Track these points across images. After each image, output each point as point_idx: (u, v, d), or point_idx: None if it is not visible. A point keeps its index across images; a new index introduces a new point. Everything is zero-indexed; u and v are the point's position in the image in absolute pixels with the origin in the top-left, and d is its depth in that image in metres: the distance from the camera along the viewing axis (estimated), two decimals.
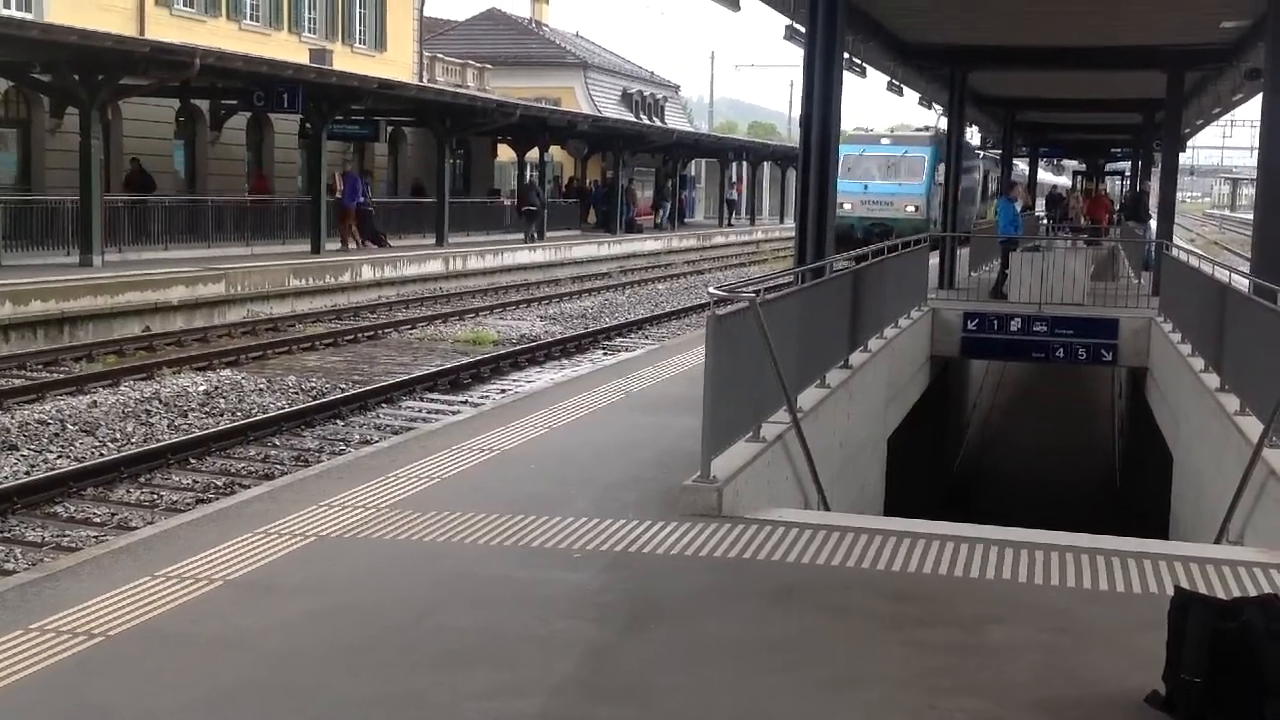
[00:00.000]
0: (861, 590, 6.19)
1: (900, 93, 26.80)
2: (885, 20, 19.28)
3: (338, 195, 31.18)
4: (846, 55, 16.33)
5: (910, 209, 38.55)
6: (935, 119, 37.88)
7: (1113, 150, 52.13)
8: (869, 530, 7.23)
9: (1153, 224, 26.96)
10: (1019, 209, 23.24)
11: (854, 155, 38.41)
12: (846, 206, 36.02)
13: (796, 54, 14.79)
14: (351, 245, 30.90)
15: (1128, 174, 51.43)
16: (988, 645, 5.49)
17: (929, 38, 21.05)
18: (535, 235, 38.50)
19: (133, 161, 28.67)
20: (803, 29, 14.16)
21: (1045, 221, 37.15)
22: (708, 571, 6.40)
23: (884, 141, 40.49)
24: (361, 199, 32.89)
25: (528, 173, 43.17)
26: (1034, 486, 23.83)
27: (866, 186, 38.75)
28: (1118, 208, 39.60)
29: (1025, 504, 21.91)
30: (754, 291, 8.33)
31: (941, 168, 34.82)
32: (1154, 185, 28.74)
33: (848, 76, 15.99)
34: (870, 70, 22.95)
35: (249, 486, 10.68)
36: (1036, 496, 22.77)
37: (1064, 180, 68.92)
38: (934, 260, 21.37)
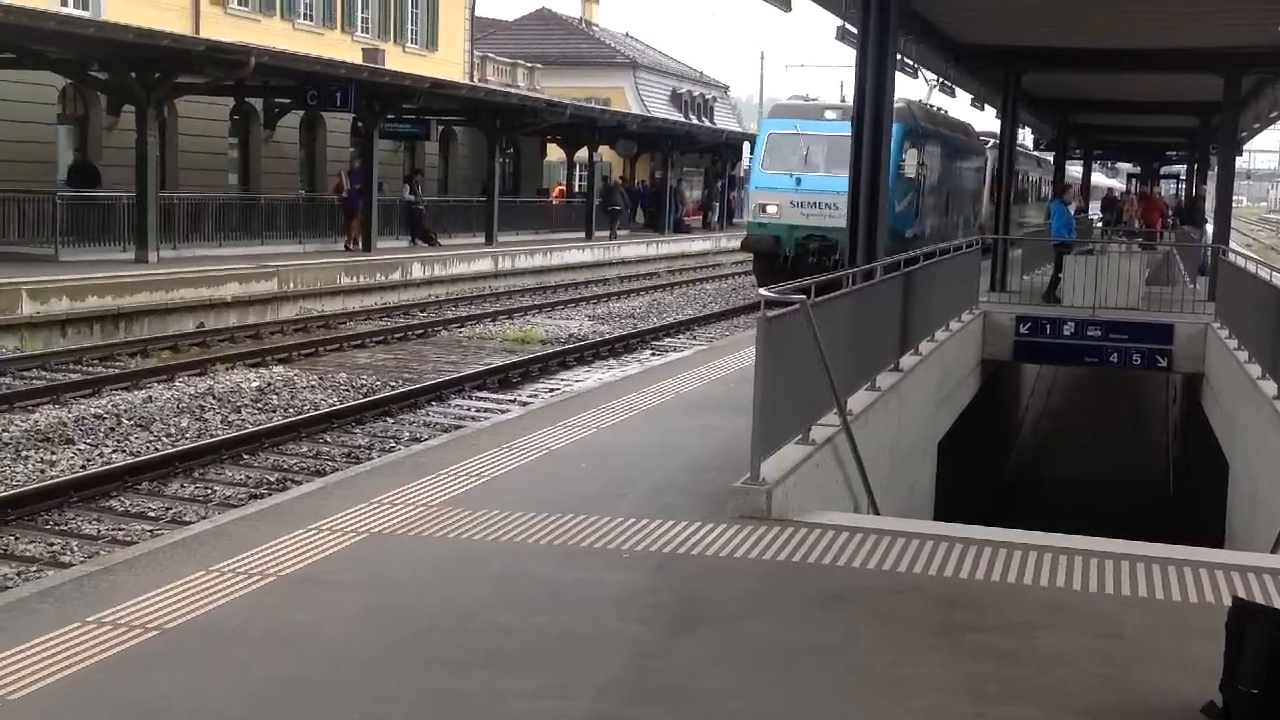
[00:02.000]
0: (911, 595, 6.16)
1: (953, 94, 26.62)
2: (938, 21, 19.16)
3: (344, 194, 30.13)
4: (899, 56, 16.24)
5: None
6: (928, 92, 27.71)
7: (1168, 153, 51.56)
8: (919, 535, 7.19)
9: (1209, 228, 26.64)
10: (1072, 211, 23.04)
11: (783, 134, 26.84)
12: (770, 210, 26.48)
13: (847, 54, 14.76)
14: (353, 246, 29.53)
15: (1183, 178, 50.79)
16: (1038, 653, 5.44)
17: (983, 39, 20.90)
18: (616, 233, 38.94)
19: (77, 152, 27.09)
20: (855, 30, 14.11)
21: (1099, 225, 36.67)
22: (756, 574, 6.39)
23: (828, 116, 26.50)
24: (411, 197, 33.04)
25: (611, 174, 43.53)
26: (1086, 492, 23.59)
27: (799, 181, 26.18)
28: (1172, 211, 39.16)
29: (1077, 510, 21.69)
30: (804, 294, 8.31)
31: (914, 155, 25.24)
32: (1210, 189, 28.30)
33: (899, 77, 15.91)
34: (922, 70, 22.80)
35: (301, 483, 10.77)
36: (1088, 503, 22.53)
37: (1118, 183, 68.16)
38: (985, 263, 21.21)
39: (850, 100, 25.62)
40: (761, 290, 7.99)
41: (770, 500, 7.38)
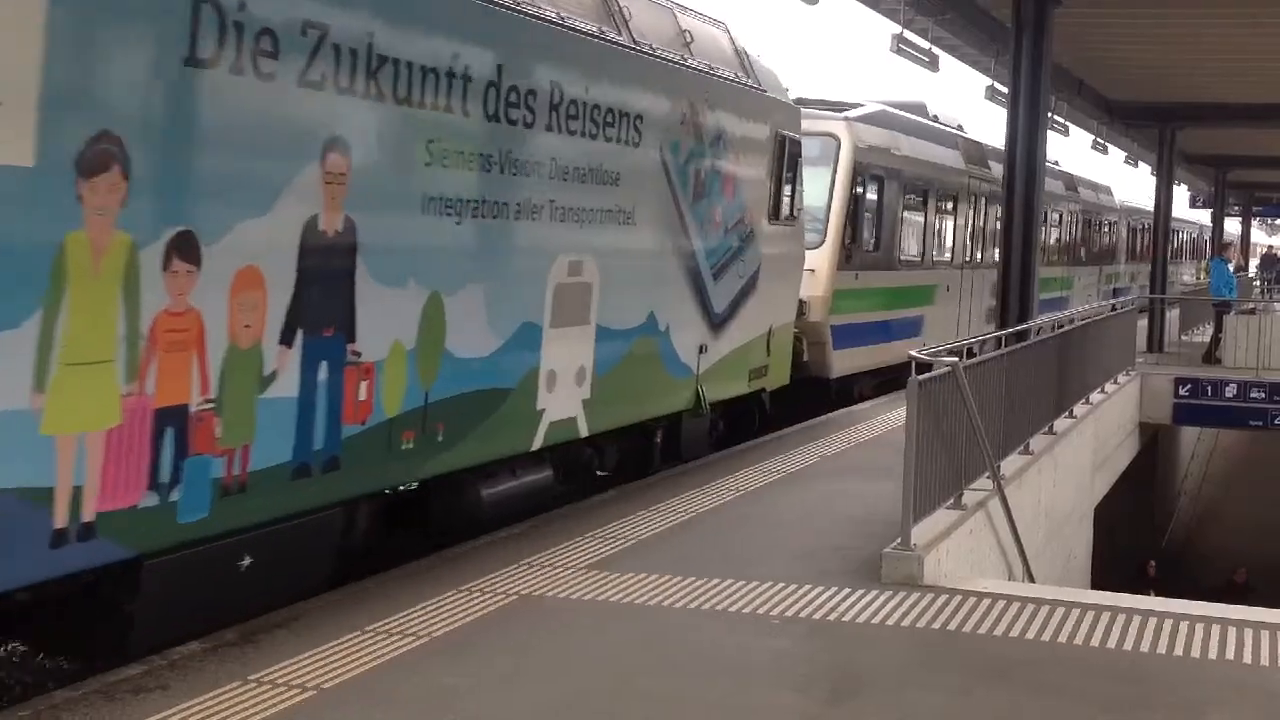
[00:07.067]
0: (1074, 668, 5.95)
1: (1105, 151, 26.16)
2: (1090, 78, 18.87)
3: None
4: (1049, 114, 16.00)
5: None
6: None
7: None
8: (1078, 604, 6.96)
9: None
10: (1232, 270, 22.34)
11: None
12: None
13: (995, 112, 14.56)
14: None
15: None
16: None
17: (1137, 96, 20.50)
18: None
19: None
20: (1005, 89, 13.95)
21: (1259, 283, 35.44)
22: (912, 643, 6.24)
23: None
24: None
25: None
26: (1254, 561, 22.61)
27: None
28: None
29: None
30: (956, 356, 8.18)
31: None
32: None
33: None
34: (1073, 128, 22.47)
35: (451, 545, 10.86)
36: (1257, 572, 21.59)
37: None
38: (1142, 323, 20.66)
39: None
40: (911, 351, 7.87)
41: (922, 566, 7.22)
